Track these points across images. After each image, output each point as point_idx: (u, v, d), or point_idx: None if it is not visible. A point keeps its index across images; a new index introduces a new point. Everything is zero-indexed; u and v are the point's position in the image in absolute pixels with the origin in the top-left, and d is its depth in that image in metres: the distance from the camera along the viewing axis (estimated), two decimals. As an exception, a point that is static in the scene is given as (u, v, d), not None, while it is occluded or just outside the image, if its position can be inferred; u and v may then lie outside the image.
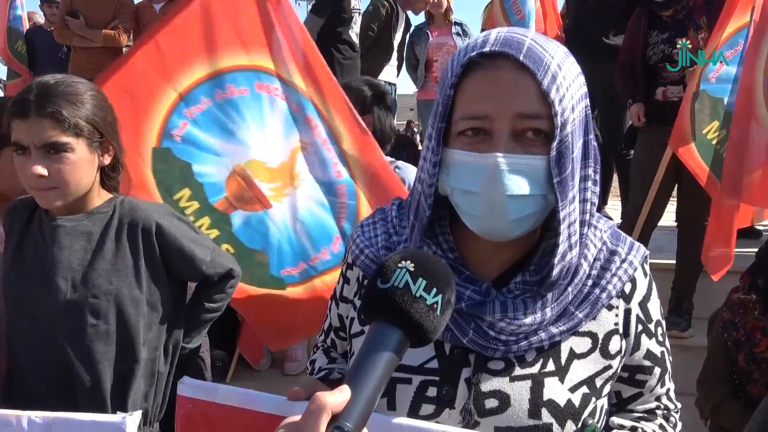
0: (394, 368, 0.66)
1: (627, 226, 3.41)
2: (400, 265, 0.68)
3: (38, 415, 1.02)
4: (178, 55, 2.16)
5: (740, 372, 1.90)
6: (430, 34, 5.34)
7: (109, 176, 1.49)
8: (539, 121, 0.79)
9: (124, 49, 4.77)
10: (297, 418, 0.60)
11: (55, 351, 1.41)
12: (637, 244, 0.94)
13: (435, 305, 0.67)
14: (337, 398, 0.60)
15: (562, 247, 0.83)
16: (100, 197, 1.48)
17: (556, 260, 0.83)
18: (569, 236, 0.83)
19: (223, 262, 1.62)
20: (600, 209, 4.85)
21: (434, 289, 0.67)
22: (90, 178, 1.42)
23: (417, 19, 5.88)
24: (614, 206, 4.97)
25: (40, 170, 1.32)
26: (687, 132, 3.01)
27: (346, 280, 1.03)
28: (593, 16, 4.07)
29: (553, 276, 0.83)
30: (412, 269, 0.67)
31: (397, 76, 5.76)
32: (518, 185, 0.79)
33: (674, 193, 3.48)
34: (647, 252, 0.94)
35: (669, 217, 3.58)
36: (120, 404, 1.45)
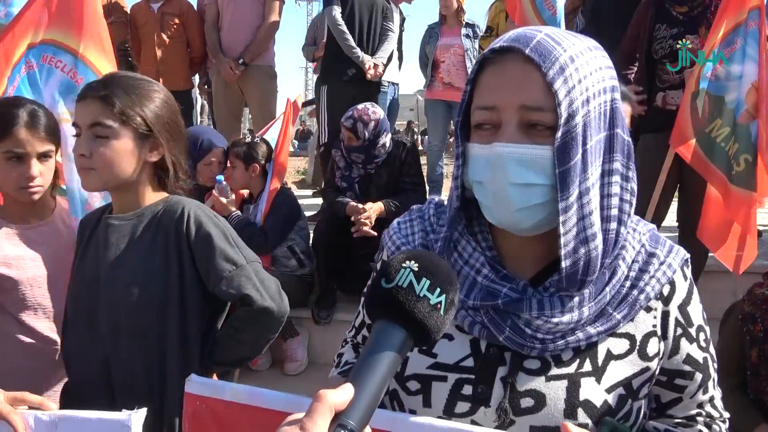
0: (397, 367, 0.66)
1: None
2: (404, 265, 0.69)
3: (44, 413, 1.03)
4: (17, 39, 2.27)
5: (750, 367, 1.90)
6: (440, 35, 5.35)
7: (161, 175, 1.51)
8: (544, 114, 0.80)
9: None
10: (301, 415, 0.60)
11: (100, 349, 1.43)
12: (676, 247, 0.93)
13: (438, 305, 0.67)
14: (340, 396, 0.61)
15: (564, 239, 0.81)
16: (154, 195, 1.50)
17: (563, 253, 0.82)
18: (584, 228, 0.82)
19: (242, 285, 1.44)
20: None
21: (438, 289, 0.68)
22: (131, 170, 1.43)
23: (427, 17, 5.87)
24: (614, 206, 4.96)
25: (82, 149, 1.37)
26: (687, 131, 3.02)
27: None
28: (608, 12, 4.06)
29: (565, 269, 0.82)
30: (416, 269, 0.68)
31: (399, 72, 5.76)
32: (519, 174, 0.80)
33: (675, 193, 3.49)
34: (687, 255, 0.93)
35: (670, 217, 3.59)
36: (156, 404, 1.42)
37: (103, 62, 2.36)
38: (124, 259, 1.44)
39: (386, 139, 3.65)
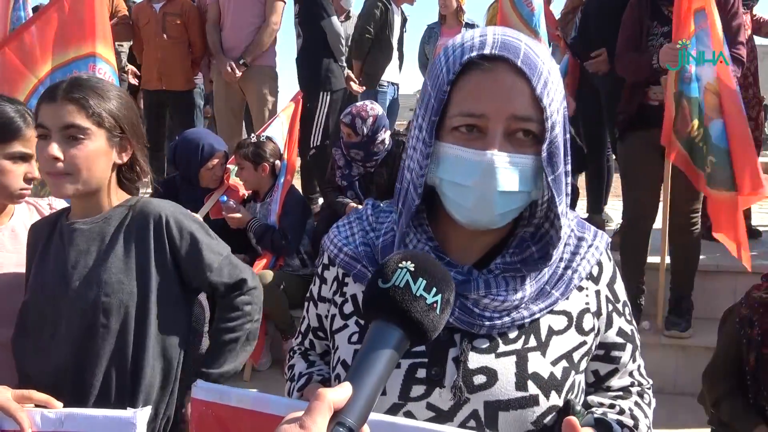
0: (394, 366, 0.68)
1: (629, 227, 3.44)
2: (400, 265, 0.70)
3: (50, 411, 1.05)
4: (39, 49, 2.68)
5: (749, 372, 1.91)
6: (439, 35, 5.38)
7: (127, 177, 1.51)
8: (530, 124, 0.85)
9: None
10: (300, 413, 0.61)
11: (69, 353, 1.41)
12: (600, 231, 1.02)
13: (435, 304, 0.69)
14: (339, 394, 0.62)
15: (560, 237, 0.90)
16: (117, 198, 1.49)
17: (553, 250, 0.91)
18: (562, 225, 0.90)
19: (233, 272, 1.53)
20: (600, 210, 4.80)
21: (434, 289, 0.69)
22: (104, 173, 1.43)
23: (427, 17, 5.88)
24: (614, 206, 4.98)
25: (56, 152, 1.34)
26: (671, 130, 3.11)
27: (323, 281, 1.07)
28: (596, 16, 4.07)
29: (551, 262, 0.91)
30: (413, 269, 0.70)
31: (399, 72, 5.77)
32: (510, 182, 0.85)
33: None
34: (609, 239, 1.03)
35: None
36: (125, 406, 1.38)
37: (110, 54, 2.79)
38: (98, 262, 1.43)
39: (385, 136, 3.68)
